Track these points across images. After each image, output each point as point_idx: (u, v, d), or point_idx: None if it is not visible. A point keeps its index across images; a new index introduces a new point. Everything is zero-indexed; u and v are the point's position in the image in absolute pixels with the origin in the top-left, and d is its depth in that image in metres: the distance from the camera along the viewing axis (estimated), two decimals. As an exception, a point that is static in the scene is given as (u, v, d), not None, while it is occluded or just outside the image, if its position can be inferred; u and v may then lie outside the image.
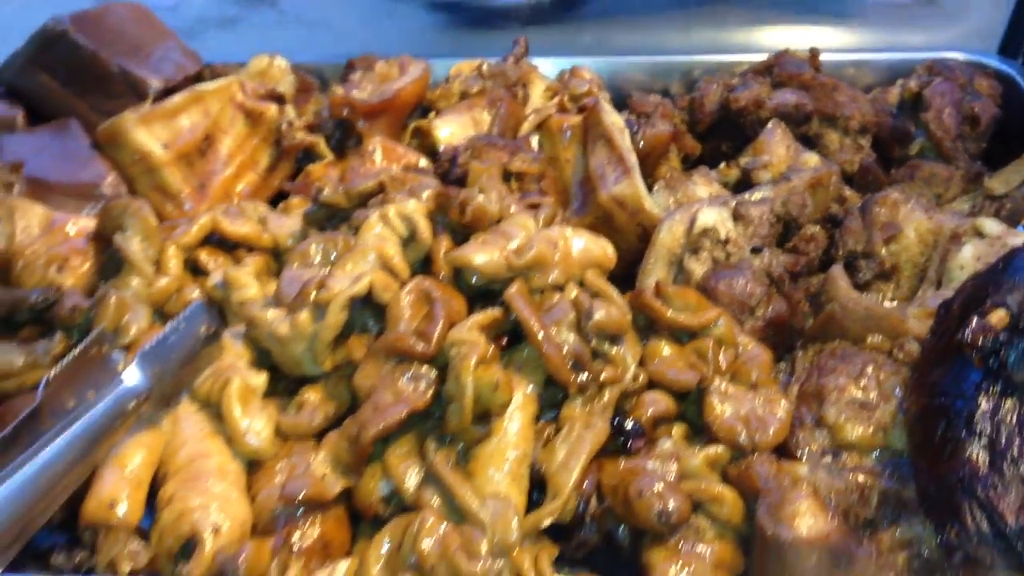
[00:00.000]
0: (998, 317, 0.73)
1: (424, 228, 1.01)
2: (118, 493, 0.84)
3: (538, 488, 0.90)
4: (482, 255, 0.96)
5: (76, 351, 0.94)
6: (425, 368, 0.90)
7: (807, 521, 0.80)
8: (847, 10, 1.83)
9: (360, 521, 0.89)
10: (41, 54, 1.30)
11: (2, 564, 0.71)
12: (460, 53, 1.53)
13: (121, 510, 0.83)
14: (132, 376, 0.87)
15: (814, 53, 1.40)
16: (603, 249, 1.01)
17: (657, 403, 0.93)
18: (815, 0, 1.91)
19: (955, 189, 1.22)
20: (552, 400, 0.94)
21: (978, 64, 1.36)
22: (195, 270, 1.14)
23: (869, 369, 0.96)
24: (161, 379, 0.89)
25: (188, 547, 0.82)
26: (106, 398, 0.84)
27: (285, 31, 2.23)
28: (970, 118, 1.26)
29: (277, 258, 1.16)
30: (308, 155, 1.38)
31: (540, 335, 0.90)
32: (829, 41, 1.54)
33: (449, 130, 1.33)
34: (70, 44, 1.28)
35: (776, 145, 1.30)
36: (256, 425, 0.92)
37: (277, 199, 1.33)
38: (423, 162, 1.32)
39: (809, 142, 1.32)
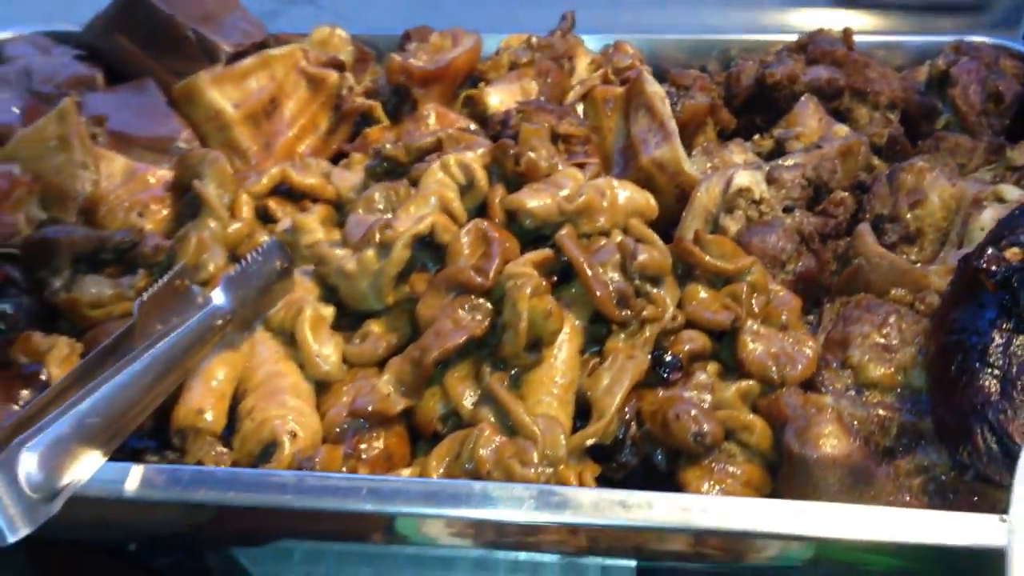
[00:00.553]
0: (1012, 252, 0.80)
1: (481, 176, 1.09)
2: (205, 402, 0.93)
3: (582, 416, 0.98)
4: (535, 200, 1.05)
5: (163, 280, 1.03)
6: (482, 300, 0.98)
7: (831, 442, 0.88)
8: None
9: (419, 440, 0.98)
10: (121, 17, 1.40)
11: (105, 455, 0.80)
12: (505, 27, 1.60)
13: (208, 417, 0.92)
14: (218, 297, 0.96)
15: (848, 32, 1.47)
16: (646, 199, 1.09)
17: (694, 340, 1.01)
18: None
19: (978, 160, 1.28)
20: (597, 335, 1.02)
21: (1003, 47, 1.43)
22: (264, 218, 1.23)
23: (892, 319, 1.03)
24: (243, 303, 0.98)
25: (268, 451, 0.90)
26: (197, 315, 0.93)
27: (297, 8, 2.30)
28: (994, 95, 1.33)
29: (339, 209, 1.24)
30: (365, 119, 1.47)
31: (588, 273, 0.98)
32: (863, 24, 1.61)
33: (499, 98, 1.41)
34: (149, 8, 1.38)
35: (809, 118, 1.37)
36: (326, 351, 1.01)
37: (336, 160, 1.42)
38: (473, 127, 1.40)
39: (840, 116, 1.39)
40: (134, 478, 0.80)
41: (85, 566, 1.01)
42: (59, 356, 0.99)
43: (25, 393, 0.93)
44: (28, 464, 0.70)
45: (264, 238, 1.18)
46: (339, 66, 1.45)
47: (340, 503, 0.78)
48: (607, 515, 0.78)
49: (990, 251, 0.82)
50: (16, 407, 0.92)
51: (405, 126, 1.42)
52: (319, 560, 0.93)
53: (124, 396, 0.80)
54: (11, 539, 0.68)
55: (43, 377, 0.95)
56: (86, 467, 0.75)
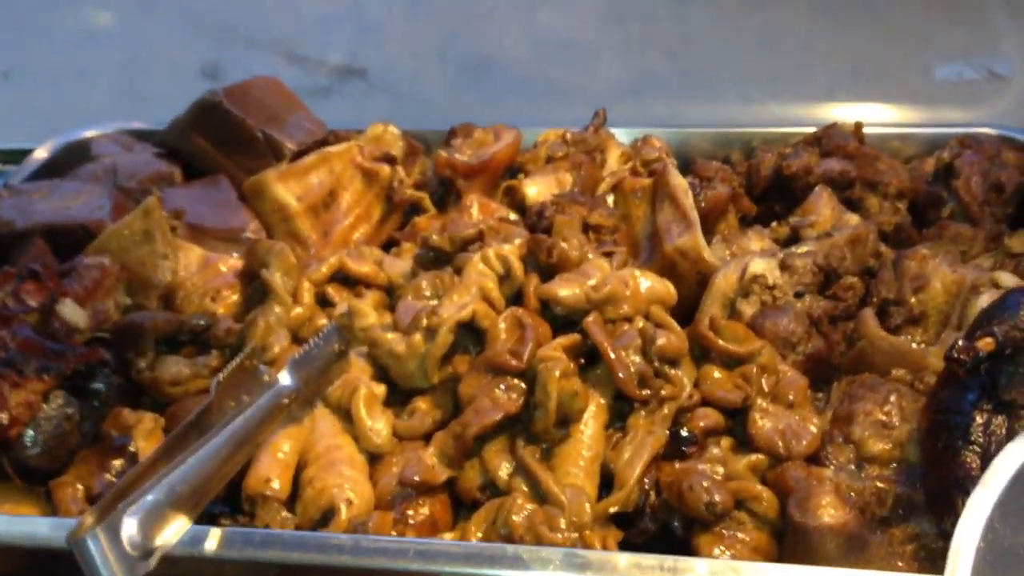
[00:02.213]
0: (984, 342, 0.90)
1: (517, 267, 1.22)
2: (272, 472, 1.06)
3: (606, 485, 1.09)
4: (565, 290, 1.17)
5: (235, 361, 1.17)
6: (517, 381, 1.10)
7: (829, 511, 0.97)
8: (907, 89, 2.02)
9: (461, 506, 1.09)
10: (198, 120, 1.57)
11: (191, 519, 0.92)
12: (542, 122, 1.74)
13: (275, 485, 1.04)
14: (285, 378, 1.09)
15: (859, 126, 1.58)
16: (666, 287, 1.20)
17: (708, 417, 1.11)
18: (880, 81, 2.09)
19: (978, 247, 1.38)
20: (619, 412, 1.13)
21: (1007, 138, 1.53)
22: (323, 302, 1.37)
23: (893, 397, 1.13)
24: (306, 383, 1.11)
25: (327, 516, 1.02)
26: (266, 395, 1.06)
27: (374, 100, 2.44)
28: (996, 186, 1.43)
29: (390, 294, 1.38)
30: (414, 209, 1.61)
31: (612, 356, 1.10)
32: (875, 116, 1.72)
33: (536, 189, 1.55)
34: (223, 113, 1.54)
35: (822, 207, 1.48)
36: (378, 425, 1.13)
37: (387, 246, 1.56)
38: (513, 216, 1.53)
39: (852, 205, 1.50)
40: (214, 539, 0.92)
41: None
42: (145, 430, 1.12)
43: (117, 463, 1.06)
44: (129, 527, 0.82)
45: (323, 322, 1.32)
46: (391, 160, 1.59)
47: (391, 563, 0.89)
48: (625, 576, 0.88)
49: (961, 342, 0.92)
50: (109, 475, 1.06)
51: (451, 215, 1.55)
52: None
53: (207, 468, 0.93)
54: (115, 592, 0.81)
55: (132, 449, 1.08)
56: (176, 529, 0.88)
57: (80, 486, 1.04)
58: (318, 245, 1.51)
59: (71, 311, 1.12)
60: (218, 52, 2.67)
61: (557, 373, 1.06)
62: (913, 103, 1.85)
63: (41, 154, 1.64)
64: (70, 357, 1.05)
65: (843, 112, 1.85)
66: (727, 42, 2.28)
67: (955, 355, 0.91)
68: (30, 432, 1.00)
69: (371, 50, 2.63)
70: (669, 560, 0.89)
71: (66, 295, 1.12)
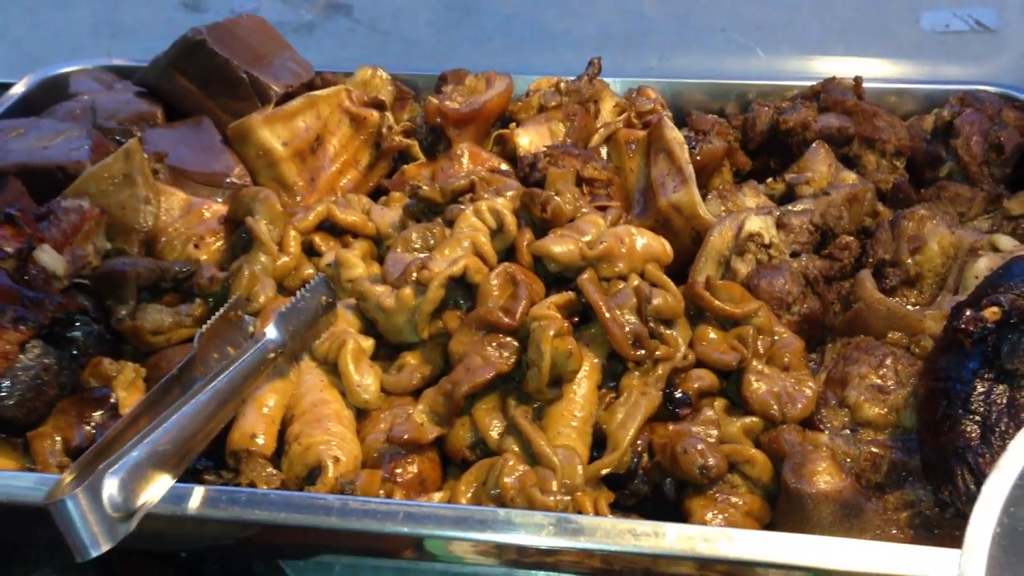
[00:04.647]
0: (991, 311, 0.89)
1: (511, 222, 1.19)
2: (257, 427, 1.03)
3: (598, 447, 1.07)
4: (560, 246, 1.14)
5: (220, 312, 1.14)
6: (509, 339, 1.07)
7: (824, 478, 0.96)
8: (895, 41, 1.99)
9: (449, 464, 1.08)
10: (181, 60, 1.51)
11: (174, 478, 0.90)
12: (528, 67, 1.70)
13: (260, 441, 1.02)
14: (271, 332, 1.06)
15: (858, 81, 1.55)
16: (662, 246, 1.18)
17: (703, 379, 1.10)
18: (866, 31, 2.05)
19: (977, 209, 1.36)
20: (613, 372, 1.11)
21: (1007, 96, 1.50)
22: (309, 251, 1.33)
23: (888, 360, 1.12)
24: (292, 337, 1.08)
25: (313, 473, 1.00)
26: (252, 349, 1.03)
27: (358, 38, 2.37)
28: (996, 146, 1.41)
29: (378, 244, 1.35)
30: (403, 156, 1.57)
31: (607, 315, 1.08)
32: (874, 71, 1.68)
33: (528, 139, 1.51)
34: (207, 52, 1.49)
35: (819, 163, 1.45)
36: (366, 380, 1.10)
37: (375, 195, 1.52)
38: (504, 166, 1.49)
39: (849, 162, 1.47)
40: (197, 498, 0.90)
41: (143, 571, 1.11)
42: (126, 380, 1.09)
43: (97, 414, 1.03)
44: (110, 488, 0.80)
45: (309, 271, 1.29)
46: (380, 106, 1.54)
47: (379, 525, 0.88)
48: (618, 542, 0.87)
49: (968, 312, 0.90)
50: (88, 427, 1.03)
51: (440, 163, 1.51)
52: (357, 574, 1.02)
53: (191, 424, 0.90)
54: (94, 554, 0.78)
55: (112, 400, 1.05)
56: (158, 489, 0.85)
57: (58, 437, 1.01)
58: (304, 192, 1.47)
59: (49, 257, 1.08)
60: (201, -17, 2.59)
61: (551, 332, 1.03)
62: (900, 55, 1.82)
63: (17, 90, 1.58)
64: (48, 306, 1.02)
65: (831, 65, 1.82)
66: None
67: (962, 325, 0.89)
68: (6, 383, 0.96)
69: (356, -14, 2.55)
70: (663, 526, 0.87)
71: (44, 241, 1.08)
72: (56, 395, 1.03)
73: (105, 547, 0.79)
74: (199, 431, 0.93)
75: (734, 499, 1.02)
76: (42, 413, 1.01)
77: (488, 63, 1.66)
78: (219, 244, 1.34)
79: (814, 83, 1.58)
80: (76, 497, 0.77)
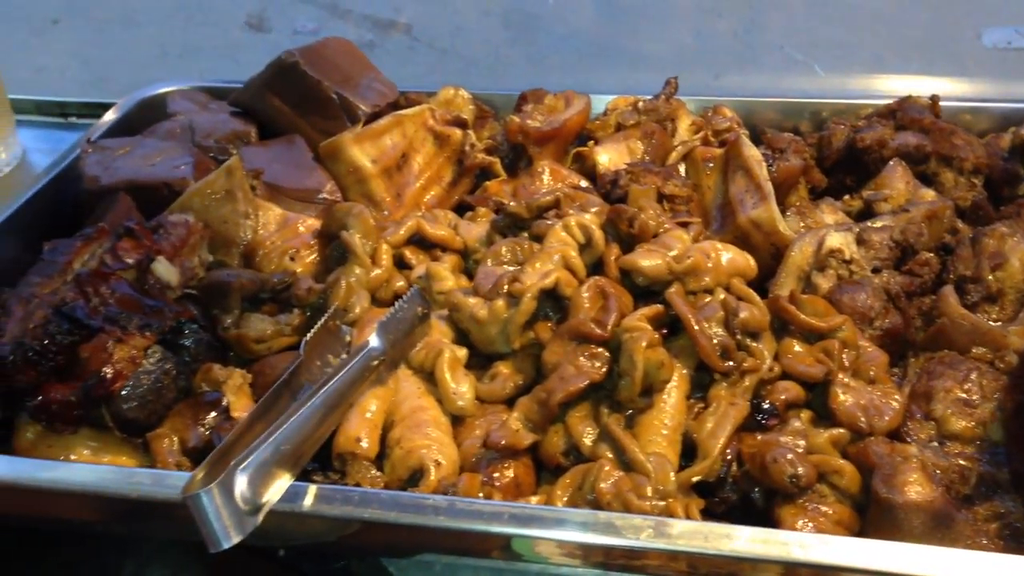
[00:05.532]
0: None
1: (599, 237, 1.23)
2: (361, 431, 1.08)
3: (686, 456, 1.10)
4: (648, 260, 1.18)
5: (321, 322, 1.19)
6: (601, 349, 1.11)
7: (915, 488, 0.98)
8: (958, 59, 2.00)
9: (543, 470, 1.11)
10: (275, 81, 1.57)
11: (293, 477, 0.95)
12: (586, 84, 1.74)
13: (364, 444, 1.07)
14: (375, 340, 1.11)
15: (934, 100, 1.57)
16: (747, 261, 1.21)
17: (789, 391, 1.12)
18: (927, 48, 2.07)
19: (1058, 227, 1.37)
20: (700, 383, 1.14)
21: (1087, 116, 1.52)
22: (399, 264, 1.38)
23: (973, 375, 1.14)
24: (393, 346, 1.13)
25: (415, 476, 1.05)
26: (357, 357, 1.08)
27: (417, 56, 2.43)
28: (1076, 164, 1.42)
29: (465, 258, 1.39)
30: (484, 173, 1.61)
31: (695, 327, 1.11)
32: (948, 90, 1.70)
33: (608, 157, 1.55)
34: (299, 74, 1.55)
35: (897, 181, 1.47)
36: (462, 388, 1.15)
37: (457, 210, 1.57)
38: (583, 183, 1.53)
39: (926, 180, 1.49)
40: (311, 496, 0.95)
41: (249, 568, 1.16)
42: (234, 385, 1.14)
43: (210, 417, 1.09)
44: (241, 484, 0.85)
45: (401, 283, 1.34)
46: (462, 124, 1.60)
47: (486, 526, 0.92)
48: (717, 546, 0.90)
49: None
50: (202, 429, 1.08)
51: (521, 180, 1.56)
52: (456, 572, 1.07)
53: (306, 427, 0.95)
54: (226, 546, 0.83)
55: (224, 403, 1.11)
56: (280, 486, 0.90)
57: (175, 438, 1.07)
58: (391, 207, 1.52)
59: (165, 269, 1.14)
60: (263, 4, 2.67)
61: (644, 343, 1.07)
62: (964, 73, 1.83)
63: (115, 112, 1.66)
64: (167, 314, 1.08)
65: (894, 84, 1.84)
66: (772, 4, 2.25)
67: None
68: (131, 386, 1.02)
69: (414, 4, 2.61)
70: (763, 532, 0.90)
71: (160, 253, 1.14)
72: (174, 398, 1.08)
73: (236, 539, 0.84)
74: (312, 434, 0.98)
75: (824, 508, 1.04)
76: (161, 415, 1.07)
77: (542, 81, 1.71)
78: (313, 257, 1.40)
79: (889, 102, 1.60)
80: (211, 491, 0.82)
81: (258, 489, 0.86)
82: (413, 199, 1.55)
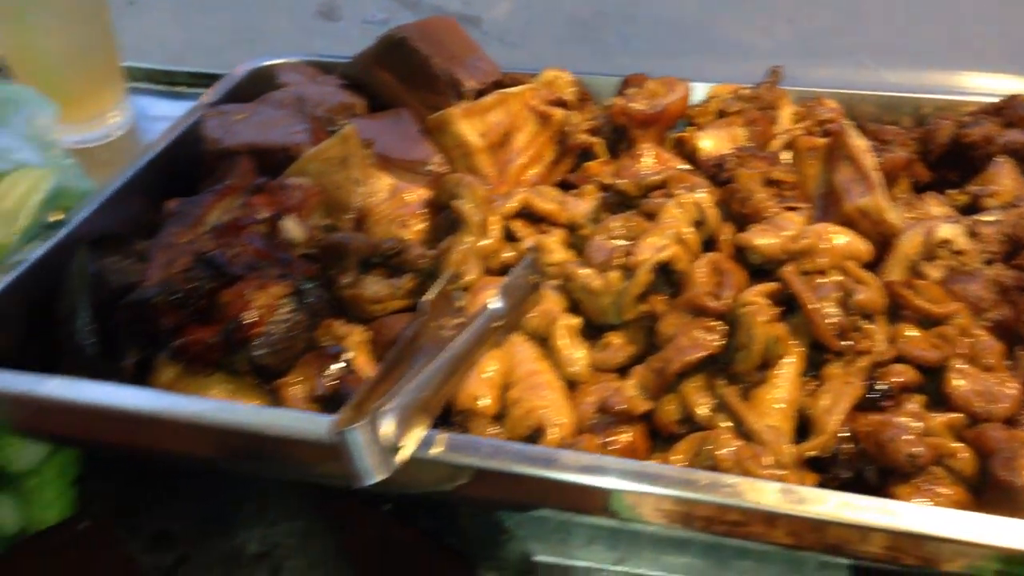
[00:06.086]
0: None
1: (712, 215, 1.24)
2: (480, 390, 1.10)
3: (800, 433, 1.11)
4: (763, 239, 1.19)
5: (440, 285, 1.21)
6: (717, 323, 1.13)
7: (1036, 471, 0.99)
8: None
9: (656, 438, 1.13)
10: (384, 56, 1.61)
11: (428, 426, 0.97)
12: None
13: (483, 402, 1.09)
14: (497, 303, 1.13)
15: (1043, 99, 1.56)
16: (863, 244, 1.22)
17: (903, 374, 1.13)
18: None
19: None
20: (814, 362, 1.15)
21: None
22: (506, 237, 1.40)
23: (1087, 368, 1.13)
24: (512, 310, 1.16)
25: (534, 436, 1.07)
26: (481, 318, 1.10)
27: (488, 49, 2.43)
28: None
29: (570, 233, 1.41)
30: (585, 154, 1.64)
31: (811, 306, 1.12)
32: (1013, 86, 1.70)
33: (710, 142, 1.56)
34: (409, 49, 1.58)
35: (1003, 177, 1.47)
36: (577, 354, 1.17)
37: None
38: (683, 167, 1.54)
39: (1033, 177, 1.48)
40: (441, 444, 0.97)
41: (360, 517, 1.19)
42: (355, 340, 1.18)
43: (334, 367, 1.11)
44: (387, 424, 0.87)
45: (508, 254, 1.36)
46: (565, 105, 1.62)
47: (615, 482, 0.93)
48: (839, 515, 0.91)
49: None
50: (327, 380, 1.11)
51: (622, 162, 1.57)
52: (570, 530, 1.08)
53: (438, 380, 0.98)
54: (371, 482, 0.86)
55: (345, 356, 1.14)
56: (417, 434, 0.93)
57: (303, 387, 1.10)
58: (494, 182, 1.55)
59: (293, 226, 1.18)
60: (334, -8, 2.71)
61: (762, 318, 1.08)
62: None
63: (227, 82, 1.70)
64: (298, 267, 1.11)
65: (996, 83, 1.82)
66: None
67: None
68: (267, 333, 1.06)
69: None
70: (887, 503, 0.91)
71: (290, 211, 1.18)
72: (302, 349, 1.12)
73: (380, 476, 0.86)
74: (442, 388, 1.00)
75: (939, 489, 1.04)
76: (290, 364, 1.10)
77: (636, 69, 1.71)
78: (421, 226, 1.43)
79: (993, 100, 1.60)
80: (361, 428, 0.85)
81: (400, 432, 0.89)
82: (515, 176, 1.58)
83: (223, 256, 1.05)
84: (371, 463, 0.86)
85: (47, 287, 1.20)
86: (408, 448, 0.91)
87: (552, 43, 2.47)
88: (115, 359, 1.11)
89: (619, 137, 1.62)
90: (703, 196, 1.26)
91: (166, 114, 1.84)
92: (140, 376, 1.10)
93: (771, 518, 0.93)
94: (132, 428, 1.02)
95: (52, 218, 1.29)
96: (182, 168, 1.49)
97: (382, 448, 0.87)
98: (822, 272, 1.20)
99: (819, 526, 0.93)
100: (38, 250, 1.21)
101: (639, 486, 0.92)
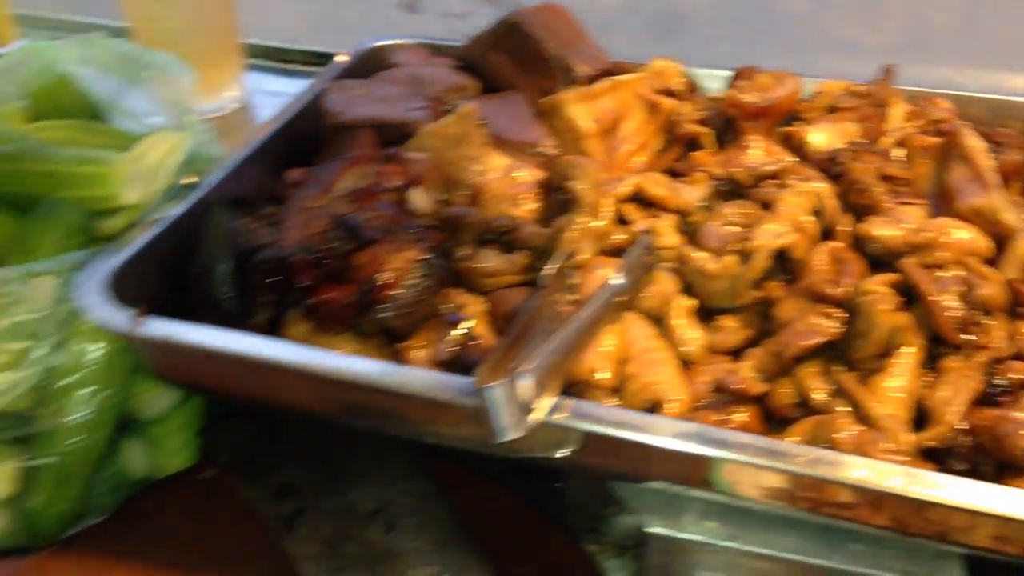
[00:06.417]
0: None
1: (830, 205, 1.25)
2: (597, 363, 1.13)
3: (916, 424, 1.12)
4: (883, 230, 1.20)
5: (558, 261, 1.24)
6: (836, 310, 1.13)
7: None
8: None
9: (770, 420, 1.14)
10: (499, 39, 1.64)
11: (556, 393, 1.00)
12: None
13: (601, 375, 1.11)
14: (619, 280, 1.16)
15: None
16: (984, 241, 1.22)
17: (1022, 372, 1.13)
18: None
19: None
20: (932, 355, 1.15)
21: None
22: (618, 220, 1.42)
23: None
24: (631, 286, 1.18)
25: (651, 410, 1.09)
26: (605, 292, 1.13)
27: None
28: None
29: (681, 219, 1.43)
30: (690, 144, 1.65)
31: (933, 298, 1.12)
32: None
33: (820, 137, 1.56)
34: (523, 34, 1.61)
35: (1120, 184, 1.45)
36: (693, 334, 1.19)
37: (663, 177, 1.60)
38: (795, 159, 1.55)
39: None
40: (567, 409, 1.00)
41: (465, 480, 1.23)
42: (473, 309, 1.21)
43: (455, 333, 1.15)
44: (524, 385, 0.90)
45: (620, 237, 1.38)
46: (674, 95, 1.63)
47: (738, 455, 0.95)
48: (965, 500, 0.92)
49: None
50: (447, 346, 1.15)
51: (730, 153, 1.59)
52: (682, 503, 1.10)
53: (566, 349, 1.01)
54: (509, 437, 0.89)
55: (466, 324, 1.17)
56: (550, 397, 0.96)
57: (426, 352, 1.13)
58: (602, 167, 1.57)
59: (420, 196, 1.21)
60: (416, -16, 2.74)
61: (885, 306, 1.09)
62: None
63: (344, 59, 1.75)
64: (428, 235, 1.15)
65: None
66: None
67: None
68: (398, 296, 1.09)
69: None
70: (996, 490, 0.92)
71: (419, 182, 1.21)
72: (426, 314, 1.15)
73: (515, 435, 0.89)
74: (568, 357, 1.03)
75: (1057, 485, 1.04)
76: (415, 328, 1.14)
77: (744, 61, 1.72)
78: (532, 205, 1.45)
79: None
80: (502, 387, 0.88)
81: (535, 393, 0.92)
82: (622, 162, 1.60)
83: (360, 219, 1.09)
84: (508, 421, 0.89)
85: (181, 246, 1.26)
86: (541, 411, 0.94)
87: (629, 44, 2.48)
88: (247, 315, 1.15)
89: (727, 128, 1.63)
90: (822, 186, 1.27)
91: (278, 90, 1.90)
92: (271, 332, 1.15)
93: (897, 502, 0.94)
94: (272, 378, 1.06)
95: (184, 181, 1.34)
96: (299, 141, 1.54)
97: (519, 407, 0.89)
98: (940, 266, 1.20)
99: (943, 512, 0.93)
100: (176, 210, 1.26)
101: (774, 463, 0.94)
